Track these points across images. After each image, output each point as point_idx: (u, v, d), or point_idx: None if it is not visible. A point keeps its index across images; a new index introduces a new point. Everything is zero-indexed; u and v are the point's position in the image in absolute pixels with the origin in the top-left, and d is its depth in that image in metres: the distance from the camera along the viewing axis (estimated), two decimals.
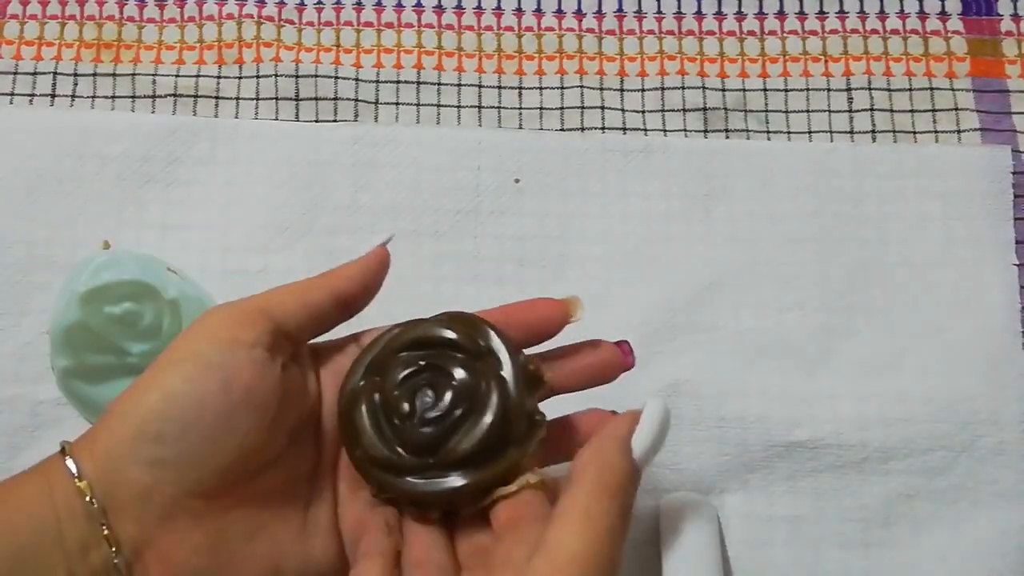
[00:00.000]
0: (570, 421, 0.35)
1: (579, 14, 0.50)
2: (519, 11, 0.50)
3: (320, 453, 0.34)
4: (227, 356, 0.30)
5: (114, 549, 0.28)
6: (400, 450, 0.32)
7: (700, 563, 0.40)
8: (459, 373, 0.32)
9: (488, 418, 0.31)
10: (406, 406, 0.32)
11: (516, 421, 0.32)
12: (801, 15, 0.50)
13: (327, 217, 0.46)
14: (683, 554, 0.41)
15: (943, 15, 0.50)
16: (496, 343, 0.33)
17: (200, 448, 0.30)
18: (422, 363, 0.33)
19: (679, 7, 0.50)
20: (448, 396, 0.32)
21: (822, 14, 0.50)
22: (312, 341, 0.35)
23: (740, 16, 0.50)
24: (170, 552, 0.29)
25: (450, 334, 0.33)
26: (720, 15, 0.50)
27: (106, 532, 0.28)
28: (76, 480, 0.29)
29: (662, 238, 0.46)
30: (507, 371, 0.32)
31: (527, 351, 0.34)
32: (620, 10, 0.50)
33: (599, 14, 0.50)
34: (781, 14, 0.50)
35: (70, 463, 0.29)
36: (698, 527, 0.41)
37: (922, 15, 0.50)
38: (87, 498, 0.29)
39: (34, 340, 0.44)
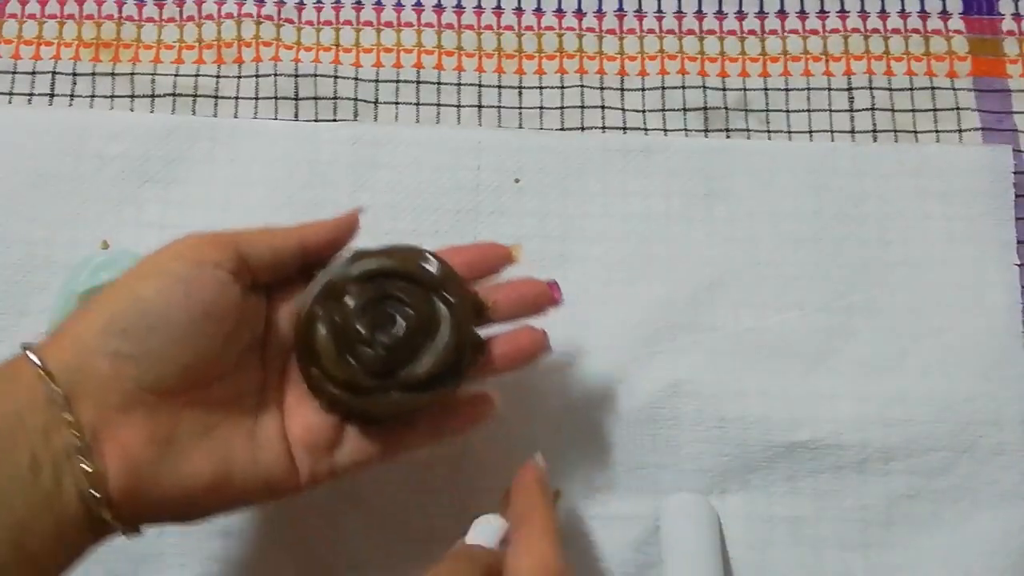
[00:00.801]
0: (505, 336, 0.38)
1: (579, 13, 0.50)
2: (519, 10, 0.50)
3: (267, 373, 0.36)
4: (193, 272, 0.33)
5: (76, 433, 0.30)
6: (358, 371, 0.35)
7: (700, 563, 0.40)
8: (415, 303, 0.36)
9: (443, 346, 0.35)
10: (366, 332, 0.35)
11: (465, 348, 0.36)
12: (802, 14, 0.50)
13: (327, 217, 0.46)
14: (683, 554, 0.41)
15: (944, 14, 0.50)
16: (447, 276, 0.36)
17: (162, 349, 0.32)
18: (380, 292, 0.36)
19: (680, 6, 0.50)
20: (406, 324, 0.35)
21: (823, 13, 0.50)
22: None
23: (741, 15, 0.50)
24: (126, 440, 0.31)
25: (405, 267, 0.36)
26: (721, 14, 0.50)
27: (69, 418, 0.31)
28: (39, 368, 0.31)
29: (662, 238, 0.46)
30: (457, 302, 0.36)
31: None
32: (620, 9, 0.50)
33: (599, 13, 0.50)
34: (782, 13, 0.50)
35: (32, 356, 0.31)
36: (698, 527, 0.41)
37: (923, 14, 0.50)
38: (51, 385, 0.31)
39: (33, 340, 0.44)
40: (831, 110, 0.48)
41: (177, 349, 0.33)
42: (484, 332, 0.37)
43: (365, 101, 0.48)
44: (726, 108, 0.48)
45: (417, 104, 0.48)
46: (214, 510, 0.34)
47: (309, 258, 0.37)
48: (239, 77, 0.48)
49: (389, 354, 0.35)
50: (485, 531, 0.35)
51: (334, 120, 0.48)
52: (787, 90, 0.49)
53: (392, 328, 0.35)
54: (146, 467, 0.32)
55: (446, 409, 0.37)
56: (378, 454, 0.36)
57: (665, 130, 0.48)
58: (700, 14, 0.50)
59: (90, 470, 0.30)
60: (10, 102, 0.48)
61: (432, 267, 0.36)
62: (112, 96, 0.48)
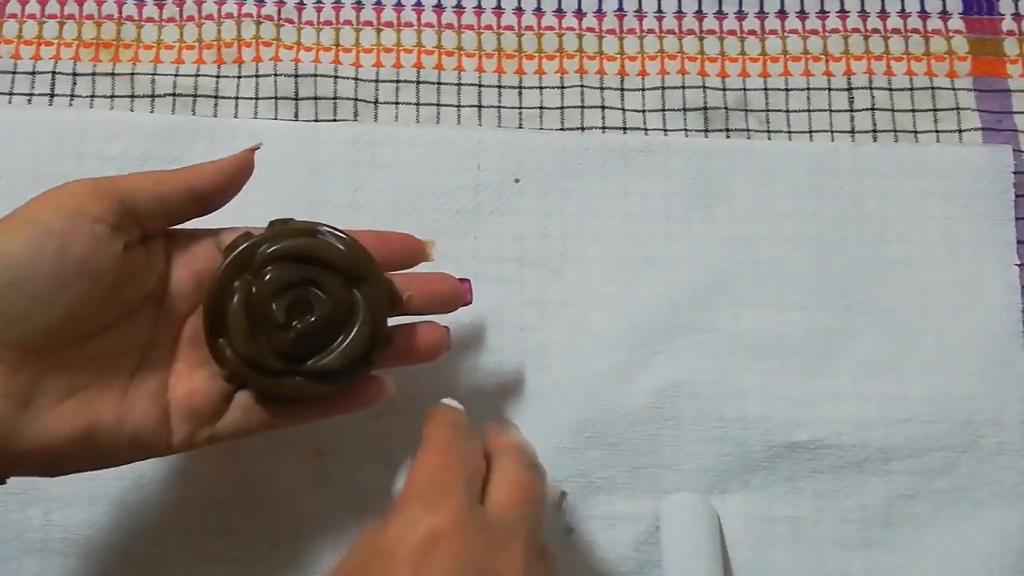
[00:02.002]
0: (410, 329, 0.38)
1: (579, 13, 0.50)
2: (519, 10, 0.50)
3: (157, 330, 0.36)
4: (68, 225, 0.32)
5: None
6: (268, 352, 0.35)
7: (700, 563, 0.40)
8: (334, 291, 0.36)
9: (357, 339, 0.36)
10: (283, 315, 0.35)
11: (378, 342, 0.36)
12: (802, 14, 0.50)
13: (326, 217, 0.45)
14: (683, 554, 0.41)
15: (944, 14, 0.50)
16: (370, 269, 0.36)
17: (26, 306, 0.31)
18: (300, 275, 0.35)
19: (680, 6, 0.50)
20: (322, 312, 0.35)
21: (823, 13, 0.50)
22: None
23: (741, 15, 0.50)
24: None
25: (330, 254, 0.36)
26: (721, 14, 0.50)
27: None
28: None
29: (662, 238, 0.46)
30: (375, 294, 0.36)
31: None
32: (620, 9, 0.50)
33: (599, 13, 0.50)
34: (782, 13, 0.50)
35: None
36: (698, 527, 0.41)
37: (923, 14, 0.50)
38: None
39: None
40: (831, 110, 0.48)
41: (42, 307, 0.31)
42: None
43: (365, 101, 0.48)
44: (726, 108, 0.48)
45: (417, 104, 0.48)
46: (79, 467, 0.34)
47: (202, 203, 0.36)
48: (239, 77, 0.48)
49: (301, 341, 0.35)
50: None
51: (334, 120, 0.48)
52: (787, 90, 0.49)
53: (308, 315, 0.35)
54: (2, 422, 0.31)
55: (342, 391, 0.37)
56: (263, 425, 0.36)
57: (665, 130, 0.48)
58: (700, 14, 0.50)
59: None
60: (10, 102, 0.48)
61: (358, 261, 0.36)
62: (112, 96, 0.48)
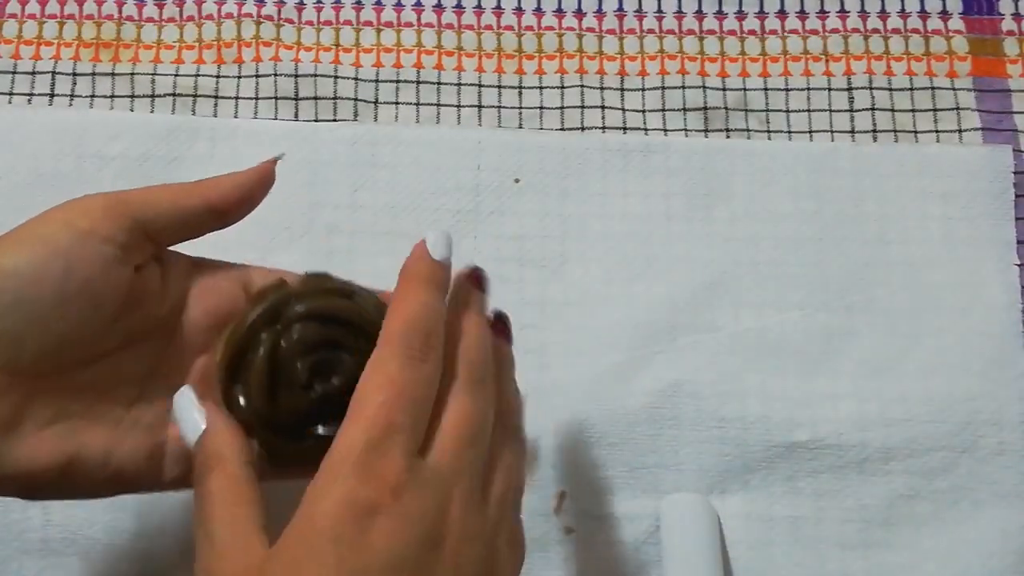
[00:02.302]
0: None
1: (579, 13, 0.50)
2: (519, 10, 0.50)
3: (162, 360, 0.34)
4: (75, 245, 0.30)
5: None
6: (282, 410, 0.33)
7: (700, 563, 0.40)
8: (360, 358, 0.33)
9: None
10: (306, 376, 0.33)
11: None
12: (802, 14, 0.50)
13: (326, 217, 0.46)
14: (683, 554, 0.41)
15: (944, 14, 0.50)
16: None
17: (22, 328, 0.30)
18: (328, 336, 0.33)
19: (680, 6, 0.50)
20: (346, 379, 0.33)
21: (823, 13, 0.50)
22: (196, 255, 0.35)
23: (741, 15, 0.50)
24: None
25: (362, 320, 0.33)
26: (721, 14, 0.50)
27: None
28: None
29: (662, 238, 0.46)
30: None
31: None
32: (620, 9, 0.50)
33: (599, 13, 0.50)
34: (782, 13, 0.50)
35: None
36: (698, 527, 0.41)
37: (923, 14, 0.50)
38: None
39: None
40: (831, 110, 0.48)
41: (39, 330, 0.30)
42: None
43: (365, 101, 0.48)
44: (726, 108, 0.48)
45: (417, 104, 0.48)
46: (57, 495, 0.32)
47: (221, 217, 0.34)
48: (239, 77, 0.48)
49: (320, 404, 0.33)
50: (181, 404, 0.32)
51: (334, 120, 0.48)
52: (787, 90, 0.49)
53: (331, 379, 0.33)
54: None
55: None
56: (259, 477, 0.32)
57: (665, 130, 0.48)
58: (700, 14, 0.50)
59: None
60: (10, 102, 0.48)
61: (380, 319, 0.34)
62: (112, 96, 0.48)
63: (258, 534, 0.29)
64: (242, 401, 0.33)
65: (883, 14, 0.50)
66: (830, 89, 0.49)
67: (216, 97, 0.48)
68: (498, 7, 0.50)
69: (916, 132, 0.48)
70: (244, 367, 0.33)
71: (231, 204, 0.34)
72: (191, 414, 0.31)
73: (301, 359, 0.33)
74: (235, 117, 0.48)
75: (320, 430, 0.33)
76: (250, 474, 0.30)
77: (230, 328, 0.34)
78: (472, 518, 0.29)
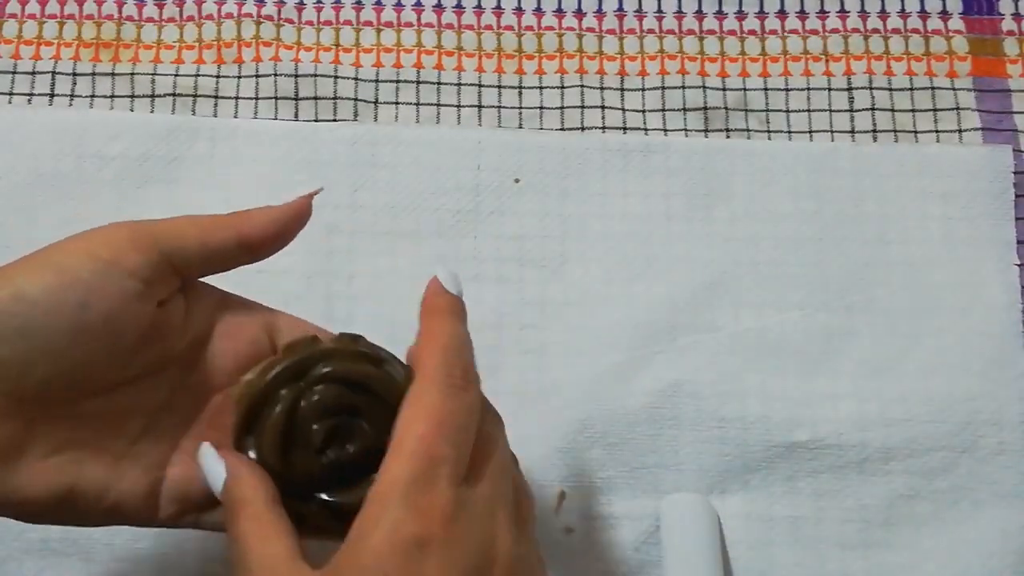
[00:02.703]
0: None
1: (579, 13, 0.50)
2: (519, 10, 0.50)
3: (175, 395, 0.33)
4: (98, 277, 0.29)
5: None
6: (292, 470, 0.32)
7: (700, 563, 0.40)
8: (378, 427, 0.32)
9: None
10: (320, 440, 0.32)
11: None
12: (802, 14, 0.50)
13: (326, 217, 0.46)
14: (683, 554, 0.41)
15: (944, 14, 0.50)
16: None
17: (32, 356, 0.29)
18: (349, 402, 0.32)
19: (680, 6, 0.50)
20: (360, 448, 0.32)
21: (823, 13, 0.50)
22: (225, 289, 0.34)
23: (741, 15, 0.50)
24: None
25: (387, 390, 0.32)
26: (721, 14, 0.50)
27: None
28: None
29: (662, 238, 0.46)
30: None
31: None
32: (620, 9, 0.50)
33: (599, 13, 0.50)
34: (782, 13, 0.50)
35: None
36: (698, 527, 0.41)
37: (923, 14, 0.50)
38: None
39: None
40: (831, 110, 0.48)
41: (48, 360, 0.29)
42: None
43: (365, 101, 0.48)
44: (726, 108, 0.48)
45: (417, 104, 0.48)
46: (55, 521, 0.31)
47: (252, 253, 0.33)
48: (239, 77, 0.48)
49: (331, 470, 0.32)
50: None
51: (334, 120, 0.48)
52: (787, 90, 0.49)
53: (346, 446, 0.32)
54: None
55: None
56: None
57: (665, 130, 0.48)
58: (700, 14, 0.50)
59: None
60: (10, 102, 0.48)
61: (403, 390, 0.32)
62: (112, 96, 0.48)
63: (295, 561, 0.28)
64: (252, 453, 0.32)
65: (883, 14, 0.50)
66: (830, 89, 0.49)
67: (216, 97, 0.48)
68: (498, 7, 0.50)
69: (916, 132, 0.48)
70: (260, 418, 0.32)
71: (265, 239, 0.33)
72: (214, 466, 0.31)
73: (319, 421, 0.32)
74: (235, 117, 0.48)
75: (324, 496, 0.32)
76: (277, 511, 0.30)
77: (253, 375, 0.33)
78: (515, 541, 0.29)
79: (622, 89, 0.49)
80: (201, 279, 0.34)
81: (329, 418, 0.32)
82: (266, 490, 0.30)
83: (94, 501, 0.31)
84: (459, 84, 0.49)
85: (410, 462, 0.28)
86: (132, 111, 0.48)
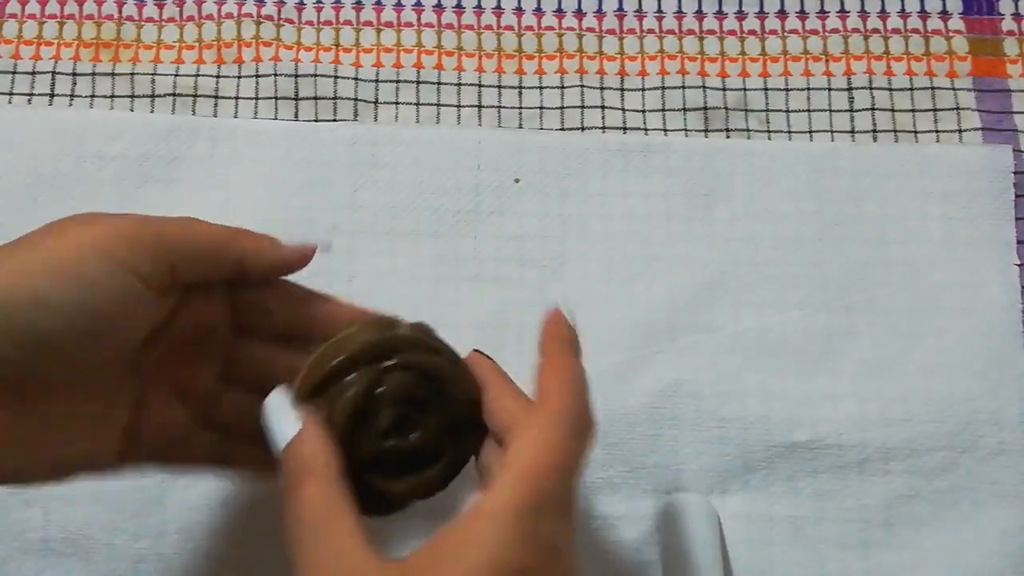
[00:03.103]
0: None
1: (579, 13, 0.50)
2: (519, 10, 0.50)
3: (141, 358, 0.33)
4: (106, 278, 0.29)
5: None
6: (352, 446, 0.32)
7: (700, 563, 0.40)
8: (436, 424, 0.33)
9: (429, 480, 0.34)
10: (386, 425, 0.33)
11: (435, 491, 0.34)
12: (802, 14, 0.50)
13: (326, 217, 0.46)
14: (683, 554, 0.41)
15: (944, 14, 0.50)
16: (481, 423, 0.34)
17: (27, 350, 0.29)
18: (417, 393, 0.33)
19: (680, 6, 0.50)
20: (418, 442, 0.33)
21: (823, 13, 0.50)
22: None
23: (741, 15, 0.50)
24: None
25: (454, 387, 0.34)
26: (721, 14, 0.50)
27: None
28: None
29: (662, 238, 0.46)
30: (466, 451, 0.34)
31: None
32: (620, 9, 0.50)
33: (599, 13, 0.50)
34: (782, 13, 0.50)
35: None
36: (698, 527, 0.41)
37: (923, 14, 0.50)
38: None
39: None
40: (831, 110, 0.48)
41: (48, 360, 0.29)
42: None
43: (365, 101, 0.48)
44: (726, 108, 0.48)
45: (417, 104, 0.48)
46: (43, 483, 0.32)
47: (243, 276, 0.34)
48: (239, 77, 0.48)
49: (386, 457, 0.33)
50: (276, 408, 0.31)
51: (334, 120, 0.48)
52: (787, 90, 0.49)
53: (408, 436, 0.33)
54: None
55: None
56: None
57: (665, 130, 0.48)
58: (700, 14, 0.50)
59: None
60: (10, 102, 0.48)
61: (471, 397, 0.34)
62: (112, 96, 0.48)
63: (365, 547, 0.28)
64: (320, 410, 0.32)
65: (883, 14, 0.50)
66: (830, 89, 0.49)
67: (216, 97, 0.48)
68: (498, 7, 0.50)
69: (916, 132, 0.48)
70: (332, 392, 0.33)
71: (262, 271, 0.34)
72: (285, 416, 0.31)
73: (390, 407, 0.33)
74: (235, 117, 0.48)
75: (377, 481, 0.33)
76: (345, 487, 0.30)
77: (330, 345, 0.33)
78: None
79: (622, 89, 0.49)
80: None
81: (398, 406, 0.33)
82: (338, 461, 0.30)
83: (71, 465, 0.31)
84: (459, 84, 0.49)
85: (526, 490, 0.28)
86: (132, 111, 0.48)
